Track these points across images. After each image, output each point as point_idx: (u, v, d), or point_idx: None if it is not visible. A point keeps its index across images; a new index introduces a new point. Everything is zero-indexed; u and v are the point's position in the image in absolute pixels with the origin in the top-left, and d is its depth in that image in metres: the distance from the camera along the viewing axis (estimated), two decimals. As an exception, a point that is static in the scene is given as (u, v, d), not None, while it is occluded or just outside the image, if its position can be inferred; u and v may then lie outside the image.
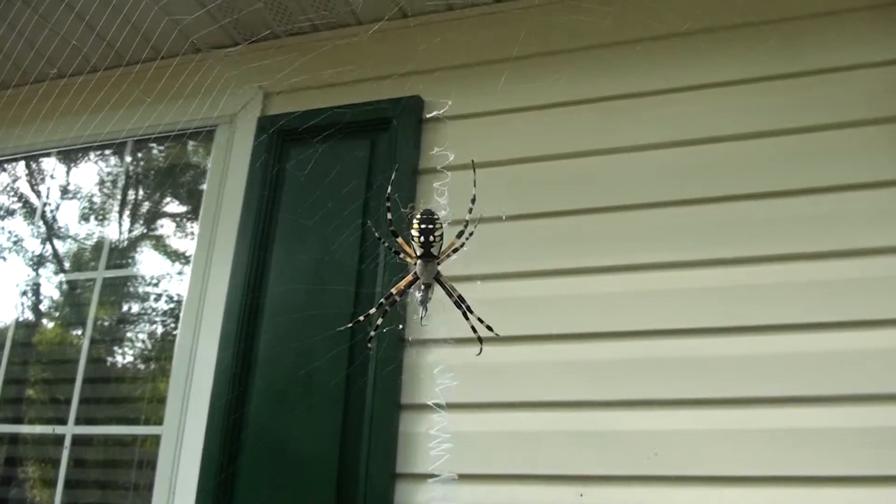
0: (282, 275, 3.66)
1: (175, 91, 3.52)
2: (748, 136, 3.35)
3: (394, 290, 2.42)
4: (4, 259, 5.10)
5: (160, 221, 4.75)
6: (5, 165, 5.06)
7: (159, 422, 3.76)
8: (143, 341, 4.60)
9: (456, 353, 3.07)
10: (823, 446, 2.86)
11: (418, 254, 2.35)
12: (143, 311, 4.69)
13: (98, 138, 4.10)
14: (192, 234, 4.30)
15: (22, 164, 5.09)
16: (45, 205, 5.08)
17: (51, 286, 5.13)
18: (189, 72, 3.46)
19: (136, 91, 3.55)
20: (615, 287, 3.29)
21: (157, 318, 4.61)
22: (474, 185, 2.40)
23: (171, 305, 4.40)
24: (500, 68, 3.50)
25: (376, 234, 2.50)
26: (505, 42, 3.60)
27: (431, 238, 2.30)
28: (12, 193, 5.19)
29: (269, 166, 3.78)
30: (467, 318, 2.38)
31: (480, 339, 2.40)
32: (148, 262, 4.74)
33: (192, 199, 4.43)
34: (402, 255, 2.42)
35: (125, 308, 4.65)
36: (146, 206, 4.80)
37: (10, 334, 4.62)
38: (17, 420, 4.51)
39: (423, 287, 2.40)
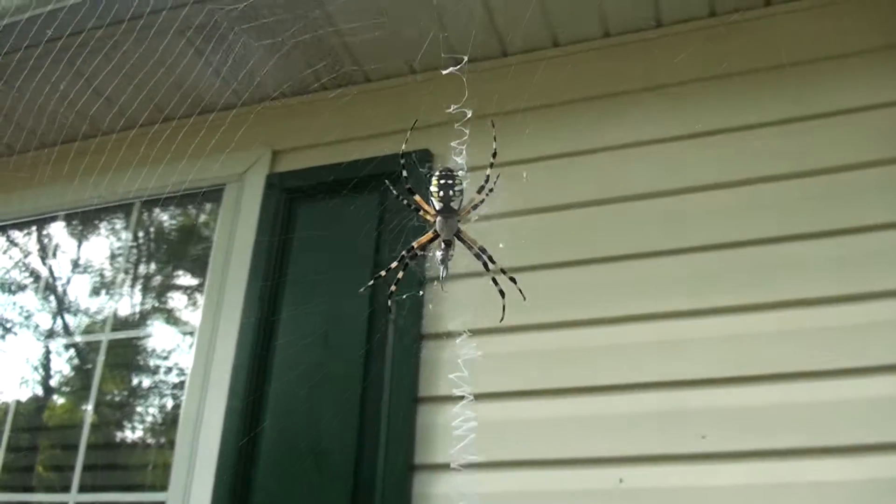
0: (290, 336, 3.58)
1: (184, 151, 3.51)
2: (767, 180, 3.29)
3: (415, 244, 2.36)
4: (15, 334, 5.07)
5: (169, 291, 4.70)
6: (15, 232, 5.06)
7: (164, 488, 3.64)
8: (151, 412, 4.51)
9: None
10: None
11: (437, 208, 2.29)
12: (152, 383, 4.62)
13: (107, 200, 4.09)
14: (198, 304, 4.22)
15: (32, 235, 5.10)
16: (54, 278, 5.06)
17: (61, 360, 5.07)
18: (198, 132, 3.45)
19: (146, 152, 3.54)
20: (640, 336, 3.20)
21: (166, 387, 4.53)
22: (494, 140, 2.31)
23: (179, 376, 4.31)
24: (507, 120, 3.48)
25: (393, 192, 2.33)
26: (514, 95, 3.58)
27: (451, 192, 2.25)
28: (23, 268, 5.19)
29: (277, 224, 3.74)
30: (487, 269, 2.30)
31: (502, 293, 2.31)
32: (156, 331, 4.68)
33: (200, 266, 4.38)
34: (421, 213, 2.35)
35: (134, 379, 4.58)
36: (154, 270, 4.76)
37: (10, 409, 4.54)
38: (24, 489, 4.41)
39: (443, 245, 2.33)
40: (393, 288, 2.43)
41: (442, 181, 2.26)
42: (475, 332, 2.82)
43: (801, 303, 3.03)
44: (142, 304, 4.64)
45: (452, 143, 2.54)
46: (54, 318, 5.06)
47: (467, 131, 2.47)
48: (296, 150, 3.94)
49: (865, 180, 3.16)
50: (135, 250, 4.69)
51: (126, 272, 4.66)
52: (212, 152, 3.45)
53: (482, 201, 2.32)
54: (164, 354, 4.66)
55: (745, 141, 3.38)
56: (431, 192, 2.28)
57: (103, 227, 4.90)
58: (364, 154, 3.63)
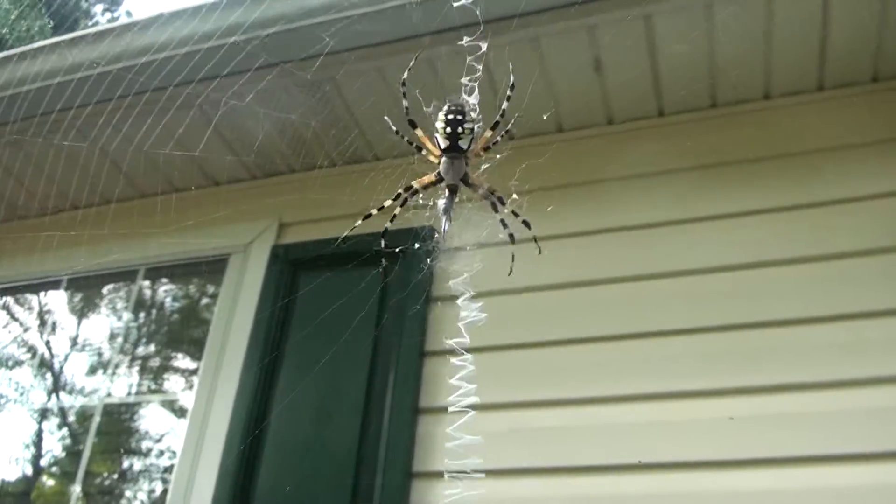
0: (285, 410, 3.51)
1: (191, 221, 3.55)
2: (768, 265, 3.30)
3: (415, 183, 2.06)
4: (9, 410, 5.00)
5: (165, 372, 4.66)
6: (15, 305, 5.06)
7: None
8: (140, 498, 4.41)
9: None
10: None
11: (442, 148, 1.98)
12: (143, 466, 4.53)
13: (110, 267, 4.10)
14: (193, 385, 4.16)
15: (33, 303, 5.09)
16: (52, 355, 5.04)
17: (53, 439, 4.99)
18: (206, 202, 3.50)
19: (153, 221, 3.58)
20: (645, 416, 3.14)
21: (156, 471, 4.44)
22: (511, 74, 2.01)
23: (171, 459, 4.22)
24: (516, 200, 3.52)
25: (392, 127, 2.06)
26: (522, 174, 3.64)
27: (460, 129, 1.93)
28: (21, 343, 5.16)
29: (278, 297, 3.73)
30: (496, 211, 2.02)
31: (512, 237, 2.04)
32: (150, 412, 4.62)
33: (198, 346, 4.34)
34: (423, 152, 2.04)
35: (125, 462, 4.49)
36: (152, 351, 4.72)
37: None
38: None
39: (446, 191, 2.01)
40: (388, 225, 2.11)
41: (450, 116, 1.94)
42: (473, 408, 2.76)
43: (800, 387, 3.00)
44: (139, 380, 4.59)
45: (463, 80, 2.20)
46: (49, 395, 5.01)
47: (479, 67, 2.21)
48: (302, 222, 3.97)
49: (866, 268, 3.16)
50: (135, 326, 4.67)
51: (124, 352, 4.62)
52: (219, 223, 3.49)
53: (496, 142, 2.03)
54: (157, 437, 4.58)
55: (748, 226, 3.41)
56: (437, 129, 1.98)
57: (105, 301, 4.90)
58: (372, 229, 3.65)
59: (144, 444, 4.54)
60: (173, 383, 4.69)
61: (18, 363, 5.18)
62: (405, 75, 2.05)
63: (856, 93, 3.57)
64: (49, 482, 5.16)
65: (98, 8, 20.89)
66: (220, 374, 3.76)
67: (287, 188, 3.80)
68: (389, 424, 3.29)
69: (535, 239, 2.06)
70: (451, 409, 2.98)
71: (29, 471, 4.85)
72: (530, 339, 3.35)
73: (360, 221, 2.18)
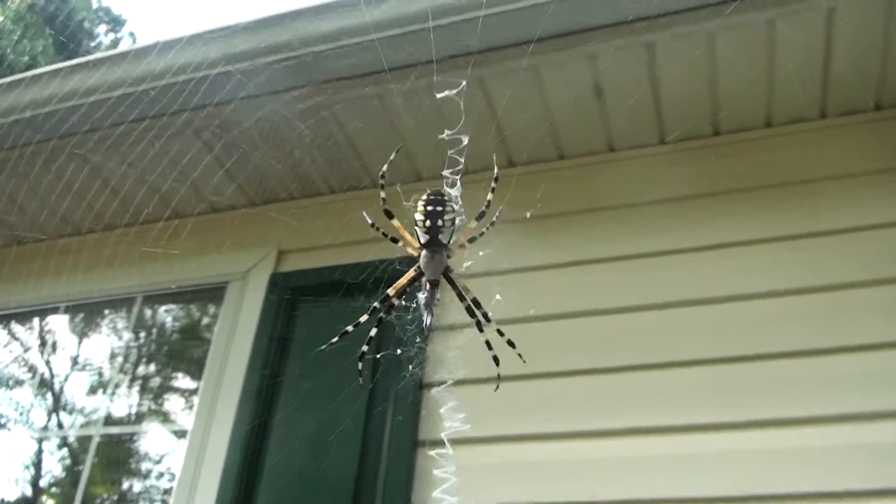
0: (283, 441, 3.48)
1: (190, 248, 3.53)
2: (771, 295, 3.26)
3: (391, 291, 1.95)
4: (9, 430, 4.98)
5: (165, 393, 4.63)
6: (16, 325, 5.04)
7: None
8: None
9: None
10: None
11: (422, 241, 1.87)
12: (143, 487, 4.49)
13: (110, 294, 4.08)
14: (193, 406, 4.14)
15: (33, 327, 5.07)
16: (52, 375, 5.01)
17: (52, 459, 4.96)
18: (205, 229, 3.48)
19: (152, 247, 3.55)
20: (637, 450, 3.10)
21: (156, 493, 4.40)
22: (496, 164, 1.94)
23: (171, 481, 4.18)
24: (517, 228, 3.49)
25: (367, 220, 1.95)
26: (523, 203, 3.62)
27: (440, 222, 1.82)
28: (22, 363, 5.14)
29: (277, 325, 3.71)
30: (481, 330, 1.89)
31: (496, 360, 1.93)
32: (150, 434, 4.59)
33: (198, 368, 4.32)
34: (400, 244, 1.93)
35: (125, 482, 4.45)
36: (152, 371, 4.70)
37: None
38: None
39: (427, 286, 1.90)
40: (364, 348, 2.00)
41: (430, 207, 1.84)
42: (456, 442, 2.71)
43: (800, 421, 2.97)
44: (138, 404, 4.56)
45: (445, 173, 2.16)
46: (49, 415, 4.98)
47: (462, 160, 2.17)
48: (301, 250, 3.94)
49: (871, 299, 3.13)
50: (134, 348, 4.65)
51: (124, 372, 4.60)
52: (218, 251, 3.46)
53: (482, 234, 1.91)
54: (157, 458, 4.55)
55: (750, 256, 3.38)
56: (416, 221, 1.87)
57: (105, 323, 4.88)
58: (370, 257, 3.62)
59: (144, 466, 4.51)
60: (173, 407, 4.66)
61: (19, 383, 5.16)
62: (384, 168, 1.98)
63: (859, 121, 3.54)
64: (49, 503, 5.14)
65: (101, 28, 21.01)
66: (219, 401, 3.73)
67: (286, 216, 3.77)
68: (388, 456, 3.25)
69: (519, 355, 1.97)
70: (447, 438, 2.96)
71: (29, 491, 4.81)
72: (523, 371, 3.28)
73: (336, 339, 2.09)
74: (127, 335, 4.62)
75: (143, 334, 4.67)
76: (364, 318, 1.96)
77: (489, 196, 1.88)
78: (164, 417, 4.61)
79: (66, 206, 3.85)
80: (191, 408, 4.25)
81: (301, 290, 3.73)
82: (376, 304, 1.95)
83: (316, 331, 3.59)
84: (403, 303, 2.10)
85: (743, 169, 3.57)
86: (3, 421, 4.98)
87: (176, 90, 3.33)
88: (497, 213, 1.89)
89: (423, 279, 1.92)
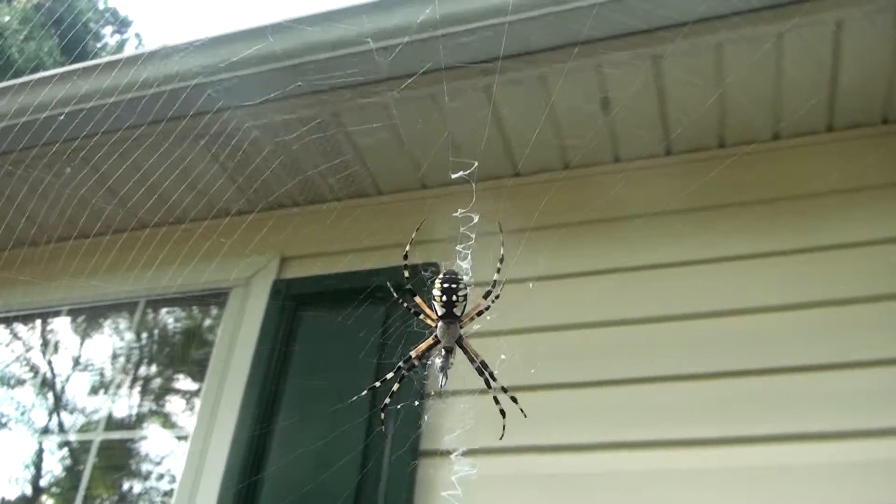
0: (284, 448, 3.46)
1: (193, 254, 3.52)
2: (775, 309, 3.24)
3: (413, 353, 2.24)
4: (10, 429, 4.98)
5: (167, 395, 4.63)
6: (18, 325, 5.03)
7: None
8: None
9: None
10: None
11: (439, 314, 2.18)
12: (143, 489, 4.48)
13: (112, 298, 4.06)
14: (195, 409, 4.13)
15: (35, 328, 5.07)
16: (54, 374, 5.00)
17: (53, 459, 4.96)
18: (208, 236, 3.47)
19: (155, 253, 3.55)
20: (633, 464, 3.09)
21: (157, 494, 4.39)
22: (502, 245, 2.22)
23: (171, 483, 4.17)
24: (519, 237, 3.48)
25: (393, 294, 2.26)
26: (524, 213, 3.60)
27: (455, 298, 2.14)
28: (24, 363, 5.14)
29: (279, 331, 3.69)
30: (489, 387, 2.18)
31: (503, 413, 2.20)
32: (151, 435, 4.58)
33: (200, 371, 4.31)
34: (421, 317, 2.24)
35: (125, 483, 4.44)
36: (153, 372, 4.69)
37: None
38: None
39: (443, 352, 2.20)
40: (387, 401, 2.29)
41: (445, 285, 2.15)
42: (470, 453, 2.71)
43: (806, 437, 2.95)
44: (139, 405, 4.55)
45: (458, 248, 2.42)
46: (50, 415, 4.98)
47: (473, 236, 2.39)
48: (304, 257, 3.93)
49: (875, 315, 3.12)
50: (136, 351, 4.64)
51: (126, 372, 4.59)
52: (221, 256, 3.45)
53: (488, 308, 2.20)
54: (158, 460, 4.54)
55: (754, 269, 3.37)
56: (434, 297, 2.17)
57: (107, 326, 4.88)
58: (373, 265, 3.62)
59: (145, 468, 4.50)
60: (174, 405, 4.65)
61: (20, 382, 5.16)
62: (407, 248, 2.24)
63: (866, 134, 3.53)
64: (49, 502, 5.13)
65: (107, 30, 21.04)
66: (220, 408, 3.72)
67: (289, 222, 3.76)
68: (389, 467, 3.23)
69: (521, 410, 2.22)
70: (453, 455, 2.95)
71: (29, 491, 4.80)
72: (530, 382, 3.27)
73: (364, 392, 2.44)
74: (129, 336, 4.61)
75: (145, 336, 4.67)
76: (389, 375, 2.24)
77: (496, 276, 2.16)
78: (166, 419, 4.60)
79: (70, 210, 3.84)
80: (192, 409, 4.25)
81: (304, 297, 3.72)
82: (400, 363, 2.23)
83: (318, 337, 3.59)
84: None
85: (748, 182, 3.56)
86: (4, 420, 4.97)
87: (180, 95, 3.32)
88: (500, 287, 2.17)
89: (440, 346, 2.20)
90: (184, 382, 4.69)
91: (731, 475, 2.93)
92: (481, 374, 2.21)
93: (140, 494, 4.49)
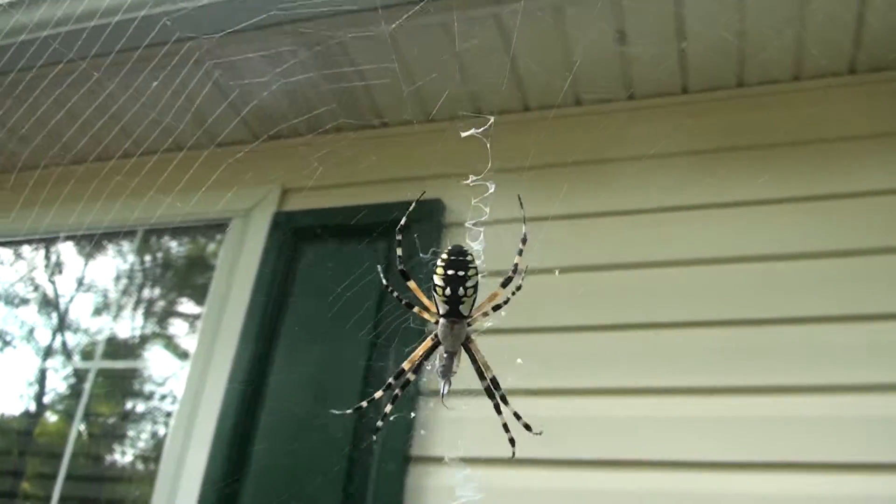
0: (284, 379, 3.46)
1: (193, 183, 3.44)
2: (785, 258, 3.18)
3: (406, 365, 1.79)
4: (14, 347, 5.02)
5: (168, 318, 4.63)
6: (22, 249, 5.01)
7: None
8: (141, 439, 4.42)
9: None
10: None
11: (441, 311, 1.69)
12: (146, 409, 4.53)
13: (111, 226, 4.01)
14: (196, 330, 4.13)
15: (39, 251, 5.05)
16: (57, 295, 5.00)
17: (57, 378, 5.01)
18: (209, 165, 3.38)
19: (155, 180, 3.47)
20: (633, 410, 3.08)
21: (159, 414, 4.44)
22: (524, 222, 1.77)
23: (173, 404, 4.21)
24: (520, 177, 3.39)
25: (383, 281, 1.80)
26: (524, 150, 3.51)
27: (461, 291, 1.64)
28: (28, 283, 5.14)
29: (280, 263, 3.65)
30: (499, 412, 1.77)
31: (512, 442, 1.82)
32: (152, 358, 4.61)
33: (202, 294, 4.30)
34: (416, 310, 1.75)
35: (127, 404, 4.49)
36: (153, 297, 4.69)
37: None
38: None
39: (445, 355, 1.75)
40: (379, 424, 1.89)
41: (450, 271, 1.63)
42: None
43: (809, 389, 2.92)
44: (142, 328, 4.56)
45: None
46: (54, 335, 5.01)
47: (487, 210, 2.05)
48: (306, 189, 3.86)
49: (889, 267, 3.03)
50: (140, 273, 4.62)
51: (128, 294, 4.58)
52: (221, 186, 3.38)
53: (507, 301, 1.71)
54: (160, 381, 4.58)
55: (766, 216, 3.29)
56: (435, 285, 1.67)
57: (110, 248, 4.85)
58: (376, 199, 3.54)
59: (147, 388, 4.55)
60: (177, 328, 4.66)
61: (24, 301, 5.18)
62: (402, 222, 1.81)
63: (889, 78, 3.38)
64: (52, 418, 5.20)
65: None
66: (219, 334, 3.70)
67: (291, 153, 3.67)
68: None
69: (531, 431, 1.86)
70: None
71: (32, 407, 4.88)
72: (527, 324, 3.21)
73: (350, 410, 1.97)
74: (132, 260, 4.59)
75: (148, 262, 4.65)
76: (379, 393, 1.84)
77: (516, 259, 1.70)
78: (169, 342, 4.62)
79: (67, 133, 3.75)
80: (194, 330, 4.25)
81: (305, 230, 3.66)
82: (391, 380, 1.81)
83: (319, 271, 3.55)
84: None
85: (765, 123, 3.44)
86: (8, 339, 5.01)
87: (182, 17, 3.20)
88: (522, 276, 1.71)
89: (441, 349, 1.77)
90: (187, 305, 4.69)
91: (736, 424, 2.92)
92: (491, 395, 1.79)
93: (143, 414, 4.55)
